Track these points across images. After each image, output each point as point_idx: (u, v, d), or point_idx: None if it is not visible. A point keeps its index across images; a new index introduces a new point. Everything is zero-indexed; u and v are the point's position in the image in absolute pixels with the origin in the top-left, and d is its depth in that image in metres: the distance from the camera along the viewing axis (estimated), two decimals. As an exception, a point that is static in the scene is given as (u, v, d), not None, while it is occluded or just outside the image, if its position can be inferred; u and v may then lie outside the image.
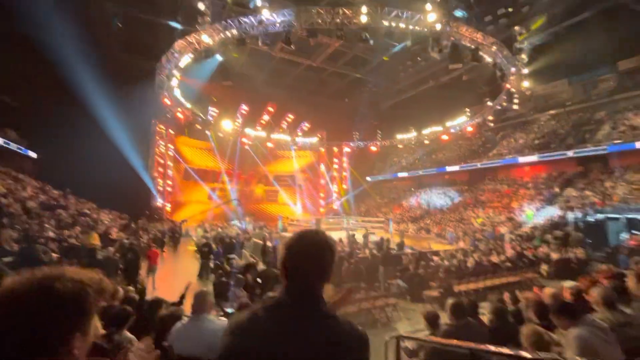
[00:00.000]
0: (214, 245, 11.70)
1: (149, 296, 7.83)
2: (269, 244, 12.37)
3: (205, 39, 13.29)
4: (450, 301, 3.26)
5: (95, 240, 9.67)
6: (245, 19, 13.04)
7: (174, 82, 17.75)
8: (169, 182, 25.87)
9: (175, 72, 16.66)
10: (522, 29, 16.63)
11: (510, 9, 19.15)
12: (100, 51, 19.78)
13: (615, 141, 18.33)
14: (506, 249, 13.42)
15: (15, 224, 9.87)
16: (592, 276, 5.42)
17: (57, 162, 19.31)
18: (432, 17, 12.19)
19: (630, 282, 3.00)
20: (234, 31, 13.18)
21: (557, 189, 19.70)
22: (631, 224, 13.77)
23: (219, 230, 18.97)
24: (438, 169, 29.97)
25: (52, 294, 0.71)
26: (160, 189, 25.49)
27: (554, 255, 11.87)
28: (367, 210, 32.21)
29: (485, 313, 4.54)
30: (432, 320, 3.39)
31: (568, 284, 7.21)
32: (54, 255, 8.08)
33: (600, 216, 15.27)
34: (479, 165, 26.18)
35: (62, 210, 13.86)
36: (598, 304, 2.66)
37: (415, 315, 7.67)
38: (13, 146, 17.52)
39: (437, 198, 28.18)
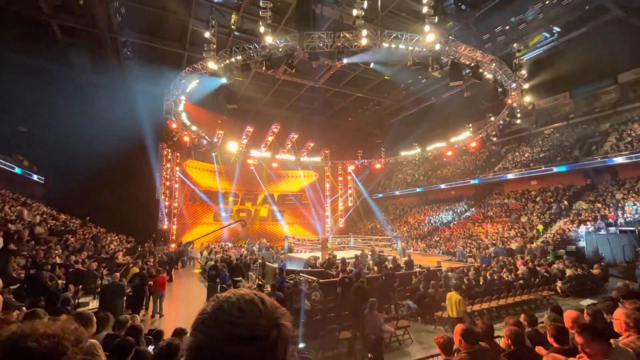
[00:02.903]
0: (220, 268, 11.55)
1: (156, 325, 7.70)
2: (275, 265, 12.24)
3: (212, 65, 13.72)
4: (458, 327, 3.15)
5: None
6: (250, 46, 13.51)
7: (181, 106, 18.21)
8: (175, 205, 26.01)
9: (182, 97, 17.13)
10: (520, 46, 16.91)
11: (507, 27, 19.59)
12: (110, 78, 20.54)
13: (617, 154, 18.18)
14: (518, 265, 13.05)
15: (23, 250, 9.92)
16: (611, 295, 5.22)
17: (64, 187, 19.64)
18: (430, 37, 12.47)
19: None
20: (239, 57, 13.62)
21: (566, 202, 19.38)
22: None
23: (225, 252, 18.82)
24: (433, 186, 30.48)
25: (27, 355, 0.64)
26: (167, 211, 25.62)
27: (569, 272, 11.49)
28: (374, 228, 31.91)
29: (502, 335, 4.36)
30: (445, 347, 3.25)
31: (586, 302, 6.96)
32: (60, 281, 8.05)
33: (613, 229, 14.91)
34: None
35: (70, 235, 13.94)
36: (626, 328, 2.52)
37: (428, 338, 7.41)
38: (22, 172, 17.87)
39: (444, 214, 27.91)
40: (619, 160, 18.08)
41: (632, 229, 14.14)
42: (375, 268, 11.90)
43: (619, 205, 16.30)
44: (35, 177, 19.36)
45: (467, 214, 25.91)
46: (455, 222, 25.54)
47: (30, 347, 0.64)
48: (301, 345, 5.94)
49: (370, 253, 14.77)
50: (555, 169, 21.21)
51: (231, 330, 0.61)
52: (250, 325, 0.62)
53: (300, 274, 10.78)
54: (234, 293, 0.69)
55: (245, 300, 0.65)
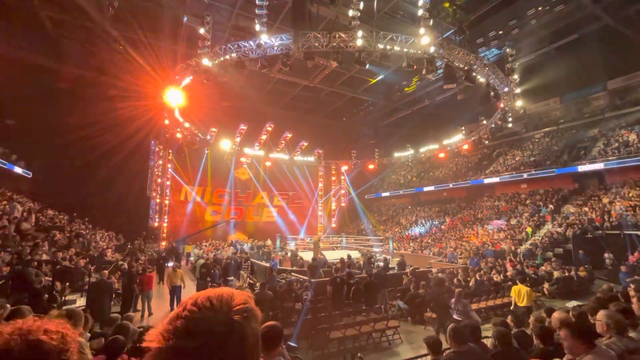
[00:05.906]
0: (211, 266, 11.48)
1: (144, 323, 7.61)
2: (265, 264, 12.20)
3: (206, 62, 13.59)
4: (450, 326, 3.19)
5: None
6: (245, 43, 13.42)
7: (174, 103, 18.00)
8: (166, 202, 25.72)
9: (176, 93, 16.93)
10: (512, 50, 17.19)
11: (500, 32, 19.88)
12: (103, 74, 20.19)
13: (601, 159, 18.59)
14: (507, 267, 13.25)
15: (8, 246, 9.70)
16: (595, 297, 5.34)
17: (52, 181, 19.24)
18: (425, 40, 12.56)
19: (635, 305, 2.95)
20: (234, 54, 13.52)
21: (552, 206, 19.72)
22: (631, 241, 13.72)
23: (216, 250, 18.69)
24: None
25: (40, 349, 0.66)
26: (157, 208, 25.31)
27: (556, 274, 11.71)
28: (366, 229, 32.02)
29: (489, 336, 4.42)
30: (434, 347, 3.29)
31: (571, 304, 7.09)
32: (46, 278, 7.90)
33: (599, 232, 15.22)
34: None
35: (57, 232, 13.68)
36: (607, 329, 2.58)
37: (417, 338, 7.47)
38: (8, 166, 17.40)
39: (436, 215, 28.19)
40: (606, 165, 18.45)
41: (617, 232, 14.47)
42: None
43: (605, 209, 16.66)
44: (21, 171, 18.88)
45: (458, 215, 26.18)
46: (447, 224, 25.79)
47: (41, 340, 0.66)
48: (292, 344, 5.93)
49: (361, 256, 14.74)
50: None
51: (177, 324, 0.60)
52: (195, 319, 0.60)
53: (292, 274, 10.78)
54: (207, 290, 0.68)
55: (205, 297, 0.64)
